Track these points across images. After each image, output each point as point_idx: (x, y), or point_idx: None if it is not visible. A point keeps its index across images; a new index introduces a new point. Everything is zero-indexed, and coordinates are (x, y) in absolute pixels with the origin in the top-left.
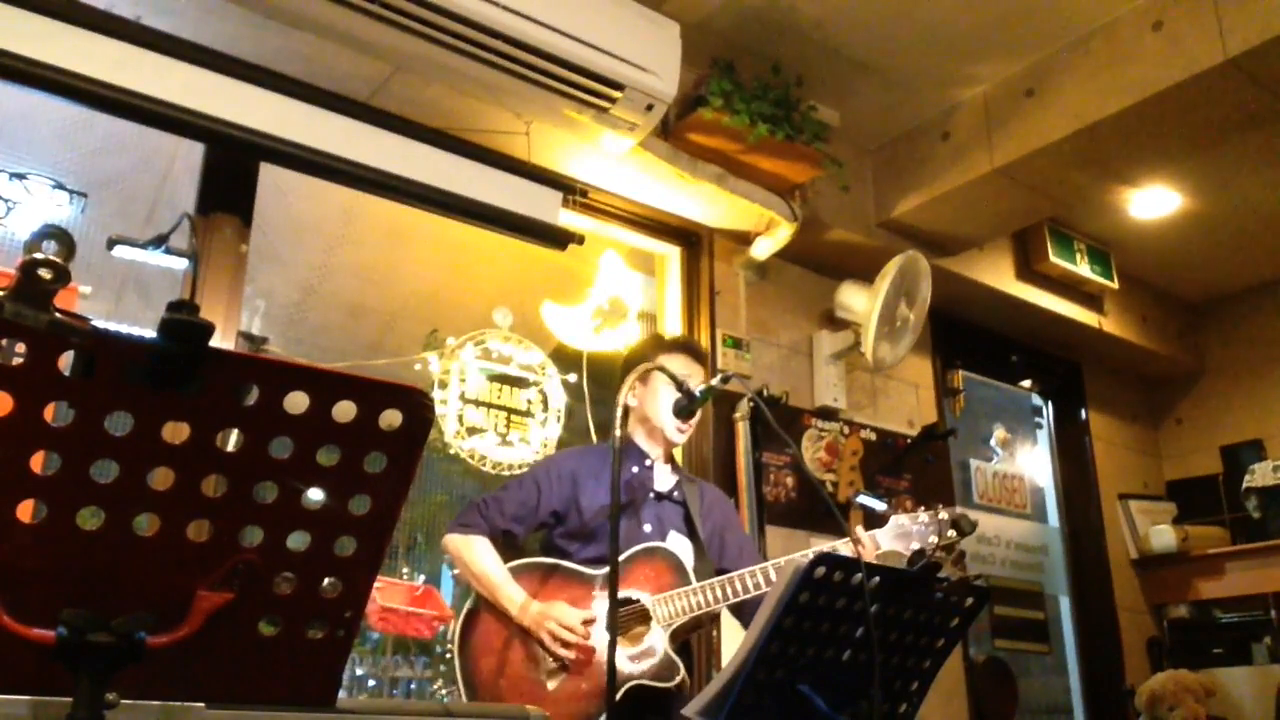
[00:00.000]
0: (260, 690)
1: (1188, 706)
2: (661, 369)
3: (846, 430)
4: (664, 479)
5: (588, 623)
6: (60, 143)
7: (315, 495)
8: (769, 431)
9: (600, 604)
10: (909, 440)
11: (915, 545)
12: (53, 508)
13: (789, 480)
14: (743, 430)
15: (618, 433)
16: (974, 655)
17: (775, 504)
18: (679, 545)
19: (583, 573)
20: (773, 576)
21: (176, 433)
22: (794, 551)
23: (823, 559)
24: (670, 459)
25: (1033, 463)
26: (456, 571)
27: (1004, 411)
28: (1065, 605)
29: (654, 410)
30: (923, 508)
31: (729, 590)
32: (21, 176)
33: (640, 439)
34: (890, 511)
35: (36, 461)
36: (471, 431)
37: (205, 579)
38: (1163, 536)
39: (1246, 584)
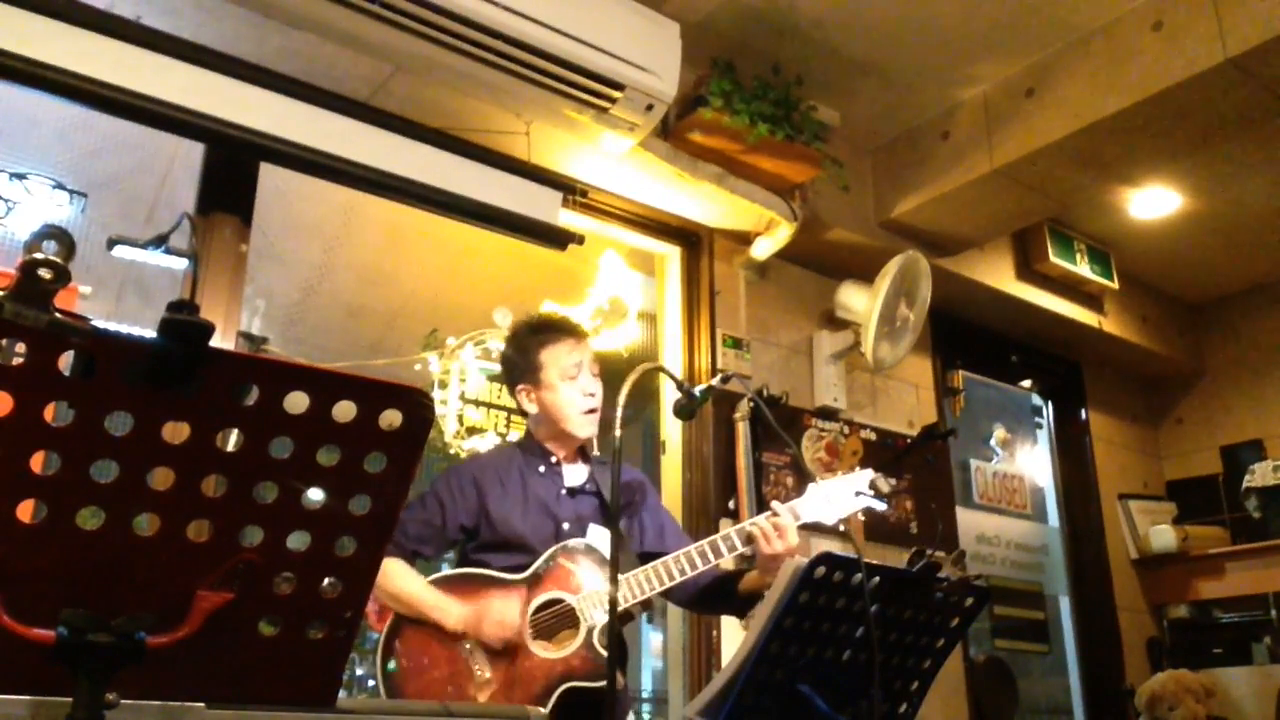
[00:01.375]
0: (260, 690)
1: (1188, 706)
2: (661, 368)
3: (846, 430)
4: (575, 474)
5: (517, 630)
6: (60, 143)
7: (315, 495)
8: (769, 431)
9: (529, 609)
10: (909, 440)
11: (838, 512)
12: (53, 508)
13: (789, 480)
14: (743, 430)
15: (618, 432)
16: (974, 655)
17: None
18: (599, 538)
19: (506, 579)
20: (697, 561)
21: (176, 433)
22: (794, 552)
23: (823, 559)
24: (580, 451)
25: (1033, 463)
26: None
27: (1004, 411)
28: (1065, 605)
29: (559, 411)
30: (841, 471)
31: (654, 579)
32: (21, 176)
33: (545, 441)
34: (891, 513)
35: (36, 461)
36: (471, 431)
37: (205, 579)
38: (1163, 536)
39: (1246, 584)
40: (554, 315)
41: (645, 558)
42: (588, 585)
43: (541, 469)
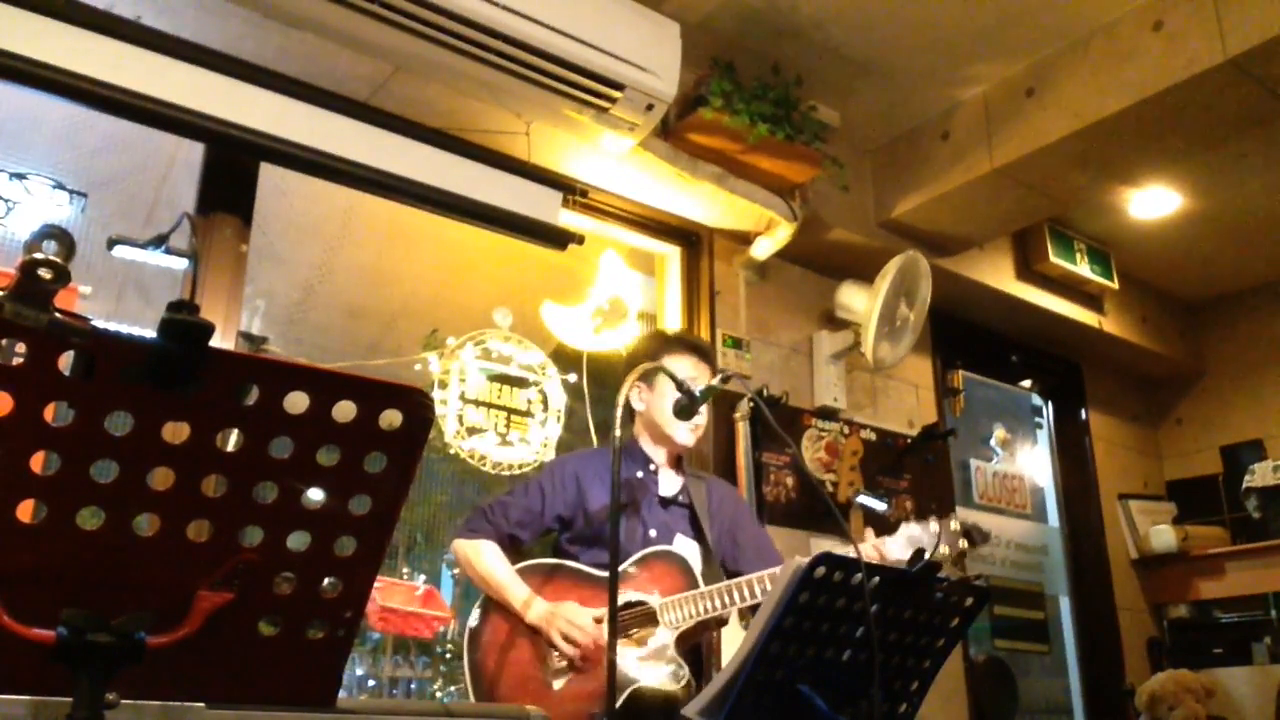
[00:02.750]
0: (260, 690)
1: (1188, 706)
2: (663, 369)
3: (846, 430)
4: (669, 483)
5: (597, 621)
6: (60, 143)
7: (315, 495)
8: (769, 431)
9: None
10: (909, 440)
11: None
12: (53, 508)
13: (789, 480)
14: (743, 430)
15: (617, 432)
16: (974, 655)
17: (775, 504)
18: (686, 548)
19: (589, 573)
20: (755, 591)
21: (176, 433)
22: (794, 553)
23: (823, 559)
24: (677, 462)
25: (1033, 463)
26: (457, 572)
27: (1004, 411)
28: (1065, 605)
29: (660, 414)
30: (934, 517)
31: (736, 595)
32: (21, 176)
33: (645, 443)
34: (891, 513)
35: (36, 461)
36: (471, 431)
37: (205, 579)
38: (1163, 536)
39: (1246, 584)
40: (691, 334)
41: (729, 575)
42: (670, 591)
43: (639, 474)
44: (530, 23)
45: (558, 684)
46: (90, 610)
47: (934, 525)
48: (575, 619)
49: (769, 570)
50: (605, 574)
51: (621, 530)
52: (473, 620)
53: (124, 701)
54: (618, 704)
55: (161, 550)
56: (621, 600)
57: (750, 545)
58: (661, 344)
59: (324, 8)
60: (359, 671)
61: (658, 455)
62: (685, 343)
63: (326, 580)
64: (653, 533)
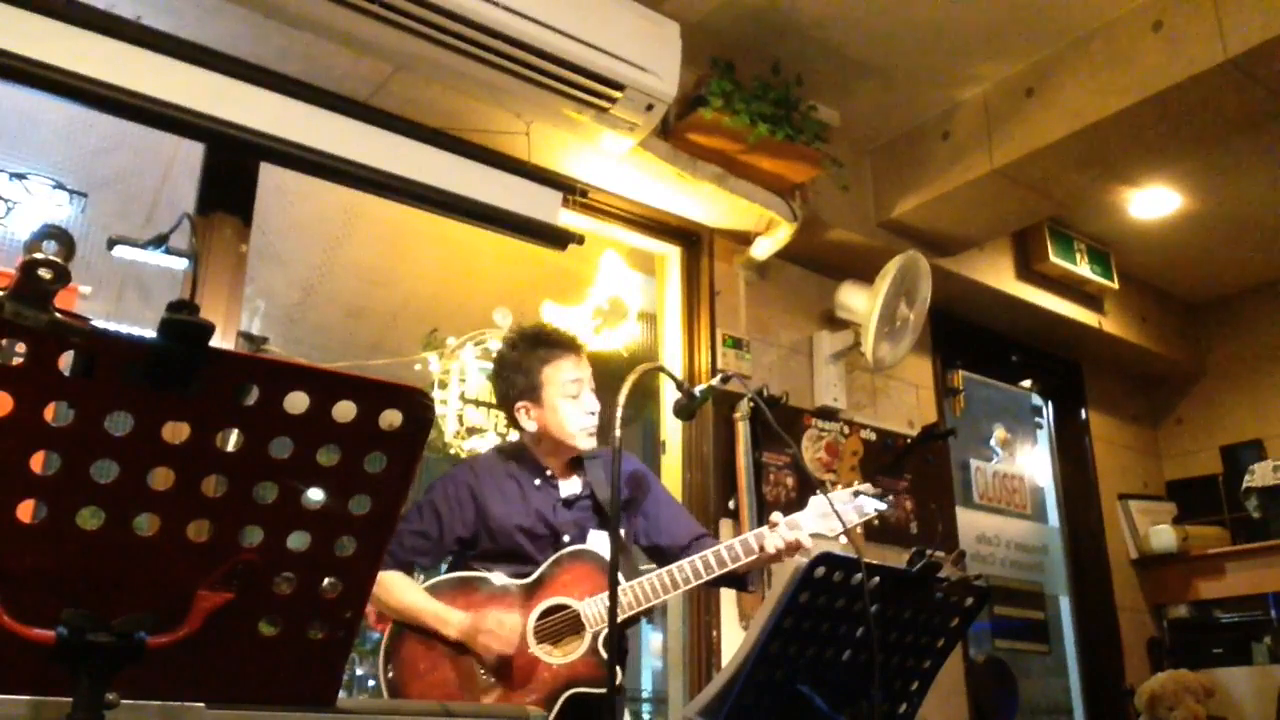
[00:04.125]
0: (260, 690)
1: (1188, 706)
2: (661, 368)
3: (846, 430)
4: (569, 485)
5: (521, 634)
6: (60, 143)
7: (315, 495)
8: (769, 431)
9: (530, 613)
10: (909, 440)
11: (836, 526)
12: (53, 508)
13: (789, 480)
14: (743, 430)
15: (618, 432)
16: (974, 655)
17: (775, 504)
18: (599, 543)
19: (506, 585)
20: (701, 571)
21: (176, 433)
22: None
23: (823, 559)
24: (571, 462)
25: (1033, 463)
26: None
27: (1004, 411)
28: (1065, 605)
29: (562, 430)
30: (840, 485)
31: (658, 586)
32: (21, 176)
33: (541, 456)
34: (892, 513)
35: (36, 461)
36: (471, 431)
37: (205, 579)
38: (1163, 536)
39: (1246, 584)
40: (552, 328)
41: (652, 551)
42: (591, 591)
43: (538, 482)
44: (530, 23)
45: (488, 699)
46: (90, 610)
47: (841, 493)
48: (500, 628)
49: (687, 560)
50: (520, 582)
51: (532, 543)
52: (384, 648)
53: (124, 701)
54: (553, 711)
55: (161, 550)
56: (543, 607)
57: (661, 515)
58: (532, 349)
59: (324, 8)
60: (359, 671)
61: (553, 463)
62: (555, 342)
63: (326, 580)
64: (566, 537)
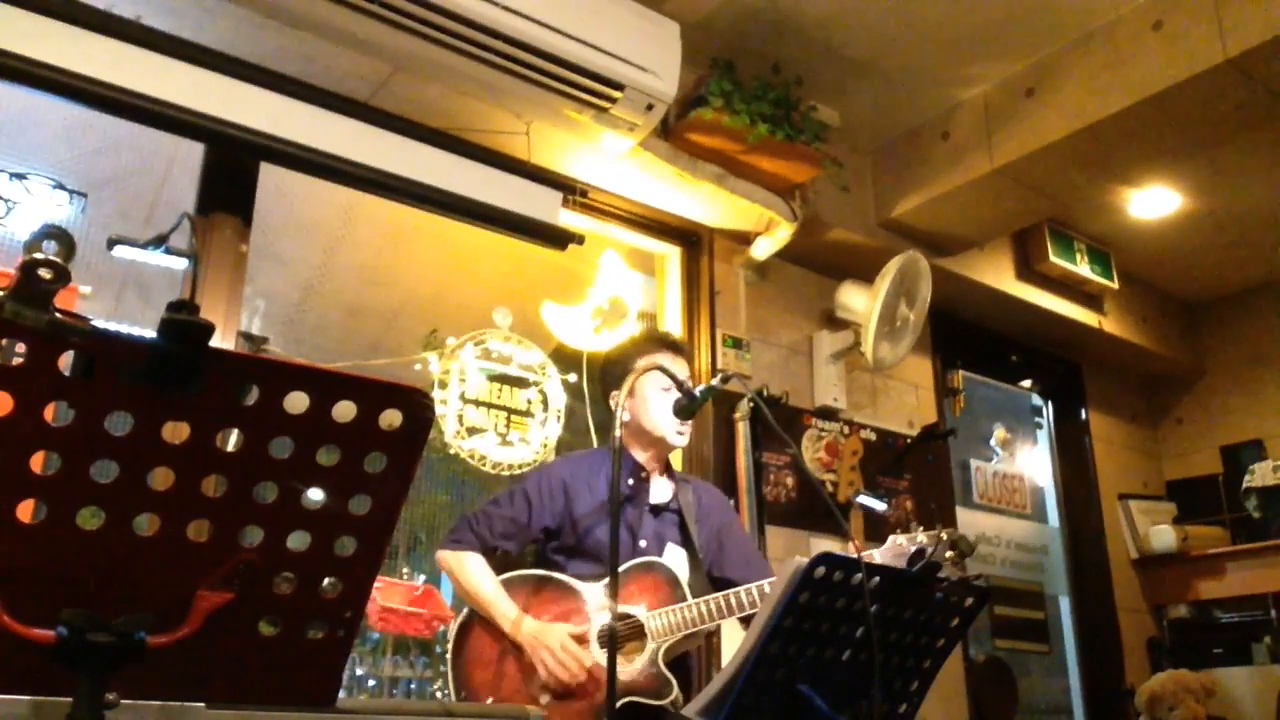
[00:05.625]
0: (260, 690)
1: (1188, 706)
2: (660, 368)
3: (846, 430)
4: (660, 490)
5: (581, 640)
6: (60, 143)
7: (315, 495)
8: (769, 431)
9: (595, 619)
10: (909, 440)
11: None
12: (53, 508)
13: (789, 480)
14: (743, 430)
15: (618, 433)
16: (974, 655)
17: (775, 504)
18: (675, 558)
19: (576, 587)
20: (744, 604)
21: (176, 433)
22: (794, 552)
23: (823, 559)
24: (667, 467)
25: (1033, 463)
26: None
27: (1004, 411)
28: (1065, 605)
29: (649, 419)
30: (921, 528)
31: (724, 606)
32: (21, 176)
33: (635, 451)
34: (891, 513)
35: (36, 461)
36: (471, 431)
37: (205, 579)
38: (1163, 536)
39: (1246, 584)
40: (660, 330)
41: (720, 583)
42: (658, 604)
43: (631, 481)
44: (530, 23)
45: (546, 699)
46: (90, 610)
47: (921, 536)
48: (565, 645)
49: (758, 583)
50: (592, 586)
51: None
52: (457, 631)
53: (124, 701)
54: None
55: (161, 550)
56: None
57: (736, 551)
58: (637, 346)
59: (324, 8)
60: (359, 671)
61: (649, 463)
62: (664, 341)
63: (326, 580)
64: (643, 543)
